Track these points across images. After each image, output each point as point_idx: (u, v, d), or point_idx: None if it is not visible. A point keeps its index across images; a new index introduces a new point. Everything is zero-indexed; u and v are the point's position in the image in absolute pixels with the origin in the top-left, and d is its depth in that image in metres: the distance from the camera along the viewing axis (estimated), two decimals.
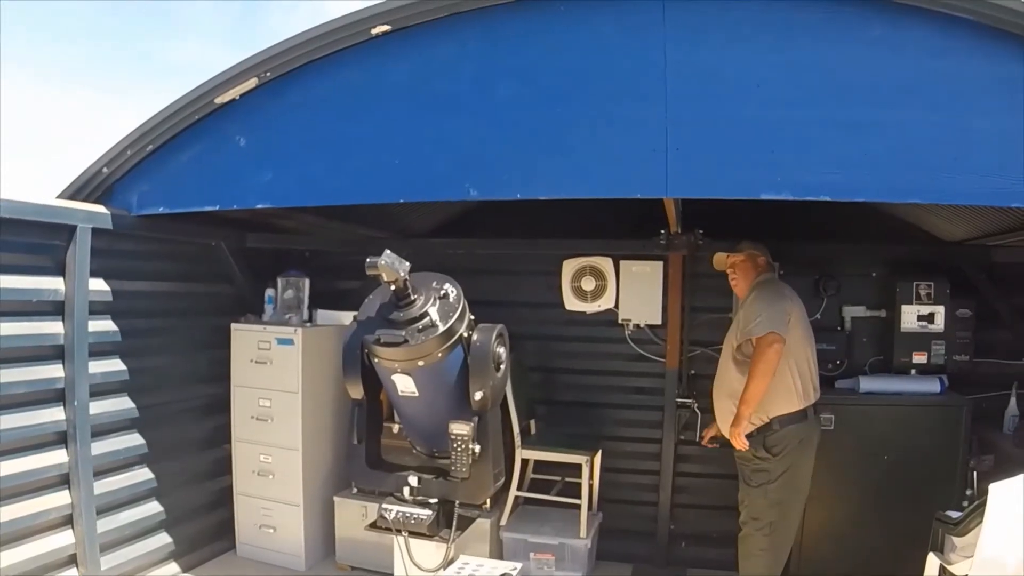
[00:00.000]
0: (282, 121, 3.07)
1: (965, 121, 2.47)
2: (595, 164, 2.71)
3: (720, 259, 3.74)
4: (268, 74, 2.97)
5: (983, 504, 2.26)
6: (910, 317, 4.07)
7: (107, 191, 3.36)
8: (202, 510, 4.14)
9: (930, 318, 4.04)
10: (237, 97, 3.05)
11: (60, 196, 3.31)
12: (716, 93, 2.62)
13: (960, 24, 2.43)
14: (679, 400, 4.43)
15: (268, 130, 3.09)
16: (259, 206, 3.13)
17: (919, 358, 4.06)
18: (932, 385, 3.96)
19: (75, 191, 3.33)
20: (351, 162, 2.97)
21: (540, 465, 4.29)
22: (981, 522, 2.24)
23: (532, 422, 4.45)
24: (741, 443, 3.34)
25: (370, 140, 2.93)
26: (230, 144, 3.12)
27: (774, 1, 2.58)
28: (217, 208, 3.18)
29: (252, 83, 3.00)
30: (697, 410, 4.33)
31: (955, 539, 2.55)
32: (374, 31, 2.82)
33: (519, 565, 2.89)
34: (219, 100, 3.05)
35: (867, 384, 4.03)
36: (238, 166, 3.13)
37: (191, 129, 3.16)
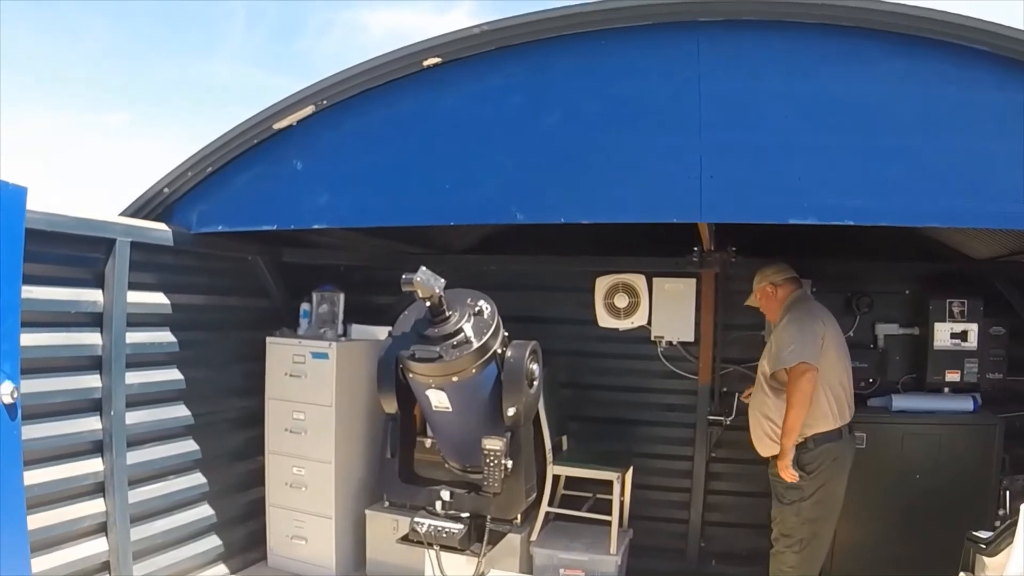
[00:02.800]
0: (338, 146, 3.51)
1: (982, 147, 2.84)
2: (634, 190, 3.13)
3: (751, 302, 4.09)
4: (325, 102, 3.42)
5: (1014, 524, 2.50)
6: (943, 335, 4.38)
7: (167, 210, 3.81)
8: (235, 520, 4.45)
9: (963, 336, 4.35)
10: (295, 123, 3.51)
11: (123, 213, 3.75)
12: (747, 122, 3.02)
13: (976, 55, 2.80)
14: (711, 417, 4.79)
15: (324, 154, 3.53)
16: (316, 226, 3.58)
17: (952, 376, 4.36)
18: (965, 403, 4.28)
19: (137, 209, 3.77)
20: (403, 186, 3.39)
21: (571, 481, 4.57)
22: (1012, 543, 2.49)
23: (564, 438, 4.77)
24: (790, 475, 3.56)
25: (422, 165, 3.36)
26: (287, 167, 3.57)
27: (800, 35, 2.98)
28: (275, 228, 3.63)
29: (309, 110, 3.45)
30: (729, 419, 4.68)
31: (986, 559, 2.81)
32: (426, 63, 3.27)
33: None
34: (277, 126, 3.51)
35: (900, 402, 4.35)
36: (295, 188, 3.57)
37: (250, 153, 3.61)
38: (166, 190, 3.74)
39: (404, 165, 3.40)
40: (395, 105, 3.38)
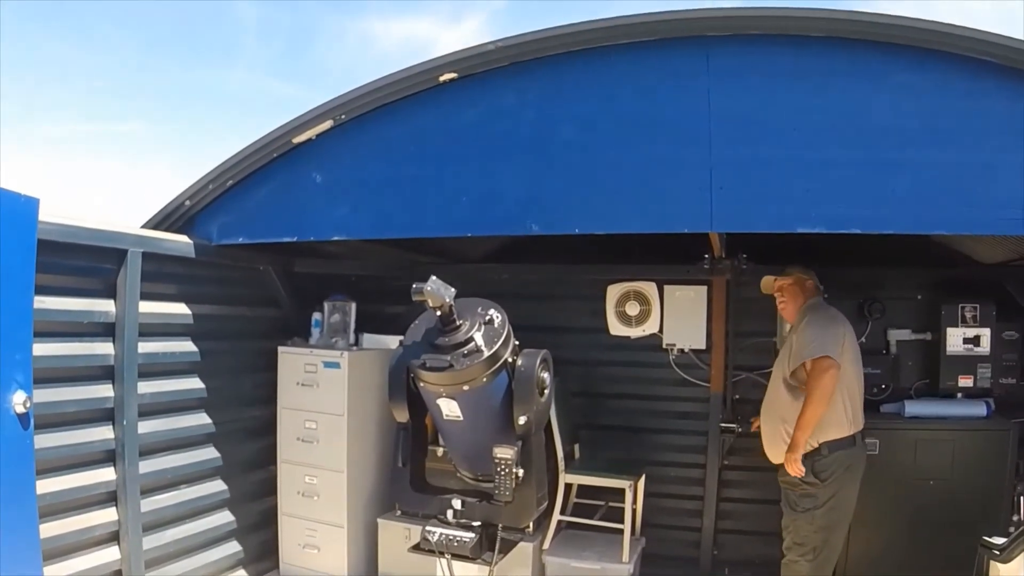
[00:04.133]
0: (356, 160, 3.74)
1: (986, 157, 3.02)
2: (646, 201, 3.33)
3: (768, 283, 4.21)
4: (343, 116, 3.65)
5: None
6: (956, 340, 4.55)
7: (189, 222, 4.04)
8: (247, 529, 4.60)
9: (976, 341, 4.53)
10: (313, 137, 3.75)
11: (144, 225, 3.97)
12: (756, 135, 3.23)
13: (982, 66, 2.99)
14: (723, 425, 4.97)
15: (342, 168, 3.76)
16: (335, 238, 3.80)
17: (965, 381, 4.54)
18: (978, 409, 4.46)
19: (159, 221, 4.00)
20: (421, 199, 3.61)
21: (583, 489, 4.77)
22: None
23: (576, 446, 4.95)
24: (797, 469, 3.66)
25: (439, 179, 3.58)
26: (306, 180, 3.80)
27: (808, 48, 3.18)
28: (295, 239, 3.85)
29: (328, 124, 3.69)
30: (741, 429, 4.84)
31: (1000, 566, 2.89)
32: (442, 78, 3.50)
33: None
34: (296, 140, 3.75)
35: (912, 408, 4.52)
36: (314, 201, 3.80)
37: (270, 166, 3.84)
38: (187, 203, 3.98)
39: (421, 178, 3.62)
40: (412, 119, 3.61)
